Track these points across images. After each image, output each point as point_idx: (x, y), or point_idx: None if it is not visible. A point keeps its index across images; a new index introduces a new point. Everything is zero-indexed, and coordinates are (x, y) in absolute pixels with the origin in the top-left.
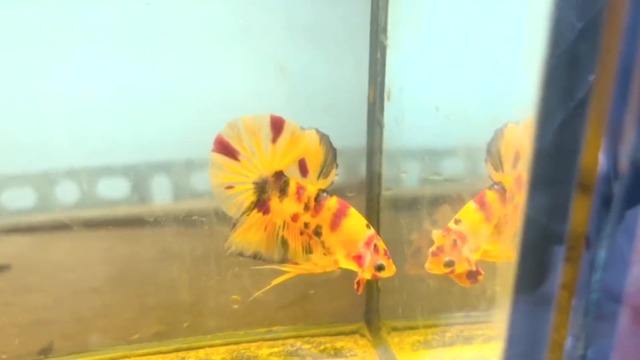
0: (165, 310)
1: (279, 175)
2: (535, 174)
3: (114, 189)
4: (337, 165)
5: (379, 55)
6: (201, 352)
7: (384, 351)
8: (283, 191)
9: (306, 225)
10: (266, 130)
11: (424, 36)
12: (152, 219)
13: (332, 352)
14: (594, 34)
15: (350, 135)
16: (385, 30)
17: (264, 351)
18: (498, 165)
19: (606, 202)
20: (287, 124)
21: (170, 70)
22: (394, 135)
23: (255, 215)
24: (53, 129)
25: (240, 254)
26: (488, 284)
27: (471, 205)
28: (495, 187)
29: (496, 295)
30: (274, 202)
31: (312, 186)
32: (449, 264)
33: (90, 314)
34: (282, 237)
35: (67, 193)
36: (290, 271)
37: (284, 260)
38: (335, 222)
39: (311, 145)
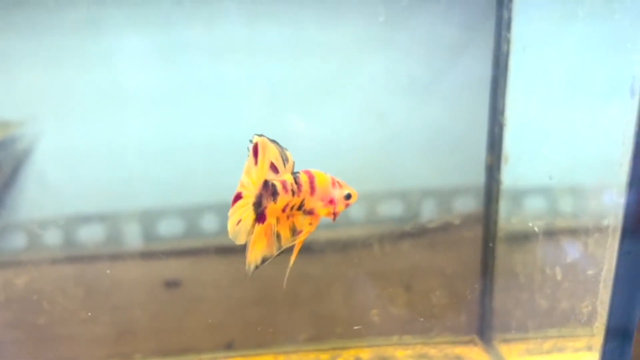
0: (319, 318)
1: (266, 183)
2: (627, 226)
3: None
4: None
5: (496, 130)
6: (352, 351)
7: (496, 356)
8: (275, 194)
9: (292, 207)
10: (252, 160)
11: (537, 117)
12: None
13: (452, 356)
14: None
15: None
16: (503, 112)
17: (400, 353)
18: None
19: None
20: (260, 143)
21: (286, 118)
22: (511, 189)
23: (257, 228)
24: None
25: (256, 267)
26: (577, 307)
27: None
28: None
29: (584, 314)
30: (270, 208)
31: (287, 174)
32: None
33: (257, 320)
34: (277, 232)
35: (210, 223)
36: (294, 251)
37: (279, 249)
38: (312, 186)
39: (269, 146)
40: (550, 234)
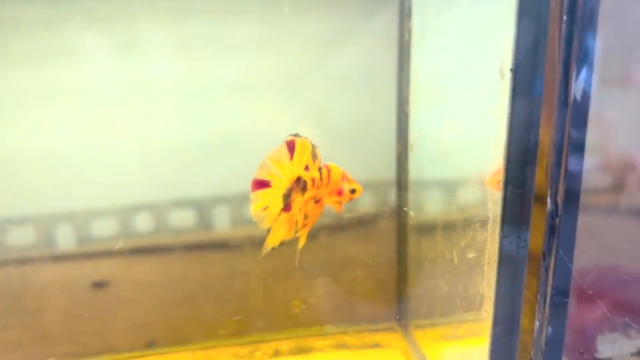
0: (240, 314)
1: (299, 179)
2: (507, 212)
3: (183, 218)
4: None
5: (402, 120)
6: (272, 344)
7: (412, 342)
8: (304, 189)
9: (312, 198)
10: (285, 154)
11: (434, 106)
12: (218, 243)
13: (371, 344)
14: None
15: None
16: (407, 102)
17: (319, 343)
18: None
19: (552, 230)
20: (297, 141)
21: (229, 118)
22: (417, 178)
23: (283, 216)
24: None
25: (272, 249)
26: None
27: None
28: None
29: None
30: (297, 200)
31: (315, 171)
32: None
33: (181, 319)
34: (297, 220)
35: (144, 222)
36: (302, 236)
37: (295, 233)
38: (329, 179)
39: (308, 148)
40: (448, 221)
